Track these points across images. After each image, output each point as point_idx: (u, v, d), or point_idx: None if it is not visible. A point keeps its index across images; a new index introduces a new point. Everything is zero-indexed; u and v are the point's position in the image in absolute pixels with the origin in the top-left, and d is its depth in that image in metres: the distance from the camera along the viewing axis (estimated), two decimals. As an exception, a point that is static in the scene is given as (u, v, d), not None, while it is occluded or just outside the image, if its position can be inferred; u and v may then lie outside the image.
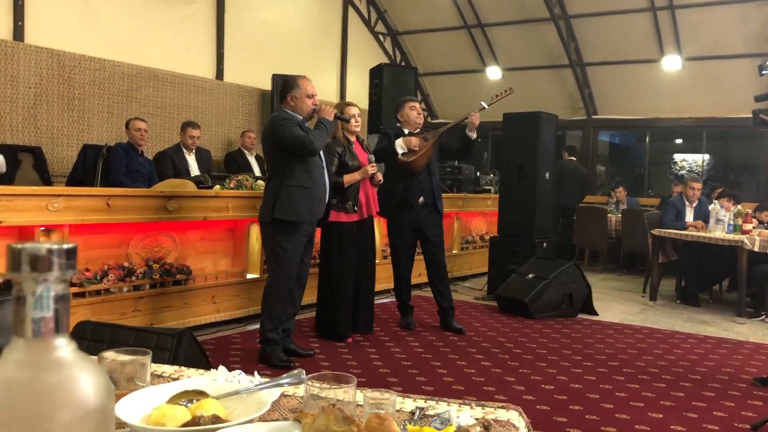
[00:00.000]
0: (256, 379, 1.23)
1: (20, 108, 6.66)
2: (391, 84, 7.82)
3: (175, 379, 1.33)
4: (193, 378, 1.25)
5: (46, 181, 6.46)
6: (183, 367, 1.44)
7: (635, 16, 9.90)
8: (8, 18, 6.69)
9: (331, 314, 4.75)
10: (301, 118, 4.15)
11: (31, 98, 6.74)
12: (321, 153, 4.23)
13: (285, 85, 4.21)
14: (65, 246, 0.50)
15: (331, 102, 10.32)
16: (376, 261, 6.34)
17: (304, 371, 1.17)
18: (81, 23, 7.27)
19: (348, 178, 4.65)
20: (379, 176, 4.85)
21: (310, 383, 1.09)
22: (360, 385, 3.45)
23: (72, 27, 7.17)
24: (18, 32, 6.73)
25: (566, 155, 9.59)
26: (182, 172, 6.49)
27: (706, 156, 11.31)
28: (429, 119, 12.82)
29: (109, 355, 1.26)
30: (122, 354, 1.27)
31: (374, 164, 4.75)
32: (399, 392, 3.43)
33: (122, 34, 7.66)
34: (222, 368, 1.28)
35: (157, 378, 1.35)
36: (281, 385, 1.15)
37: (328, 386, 1.10)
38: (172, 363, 2.88)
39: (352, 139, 4.88)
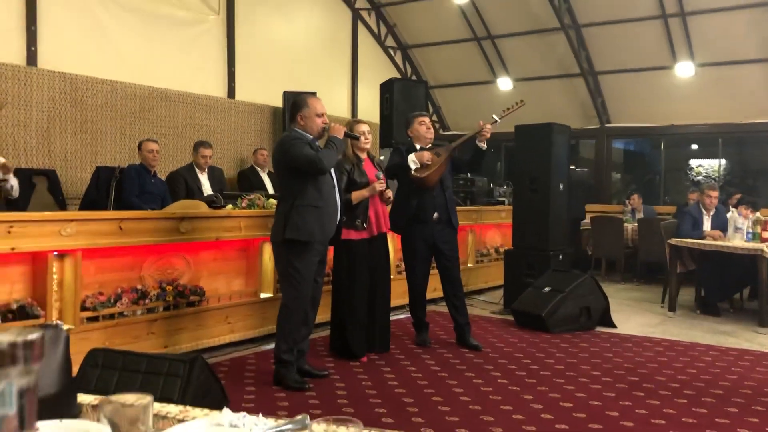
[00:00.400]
0: (261, 421, 1.20)
1: (34, 132, 6.71)
2: (402, 98, 7.82)
3: (180, 421, 1.29)
4: (197, 421, 1.22)
5: (61, 204, 6.49)
6: (188, 407, 1.40)
7: (646, 23, 9.84)
8: (21, 44, 6.76)
9: (345, 333, 4.71)
10: (311, 137, 4.13)
11: (44, 122, 6.79)
12: (332, 172, 4.20)
13: (294, 104, 4.20)
14: (29, 337, 0.46)
15: (343, 118, 10.35)
16: (391, 277, 6.32)
17: (308, 416, 1.13)
18: (93, 46, 7.33)
19: (356, 195, 4.62)
20: (389, 193, 4.81)
21: (315, 427, 1.05)
22: (375, 407, 3.38)
23: (84, 50, 7.24)
24: (31, 57, 6.80)
25: None
26: (195, 191, 6.50)
27: (723, 161, 11.19)
28: (441, 131, 12.80)
29: (111, 398, 1.23)
30: (124, 396, 1.23)
31: (382, 181, 4.71)
32: (414, 413, 3.35)
33: (134, 55, 7.71)
34: (226, 410, 1.24)
35: (162, 420, 1.31)
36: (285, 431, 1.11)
37: (334, 428, 1.06)
38: (184, 389, 2.86)
39: (363, 156, 4.86)
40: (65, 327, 4.02)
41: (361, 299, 4.70)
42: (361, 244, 4.68)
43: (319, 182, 4.09)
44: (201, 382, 2.92)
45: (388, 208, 5.00)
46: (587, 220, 9.55)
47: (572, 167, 9.54)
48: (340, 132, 4.17)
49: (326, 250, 4.29)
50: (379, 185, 4.67)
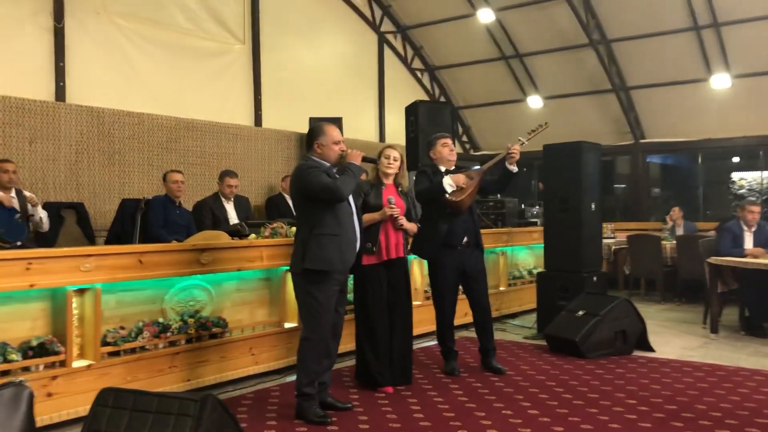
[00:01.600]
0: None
1: (62, 165, 6.84)
2: (427, 120, 7.74)
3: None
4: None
5: (89, 236, 6.57)
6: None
7: (678, 36, 9.64)
8: (50, 80, 6.92)
9: (367, 361, 4.62)
10: (328, 165, 4.08)
11: (72, 155, 6.91)
12: (350, 199, 4.13)
13: (311, 133, 4.16)
14: None
15: (371, 142, 10.34)
16: (418, 302, 6.22)
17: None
18: (120, 80, 7.48)
19: (367, 218, 4.54)
20: (403, 221, 4.68)
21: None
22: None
23: (111, 84, 7.38)
24: (60, 93, 6.95)
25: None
26: (221, 221, 6.52)
27: (766, 173, 10.84)
28: (471, 151, 12.70)
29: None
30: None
31: (394, 206, 4.61)
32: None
33: (160, 87, 7.84)
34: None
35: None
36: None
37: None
38: (195, 429, 2.79)
39: (386, 181, 4.78)
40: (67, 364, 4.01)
41: (379, 325, 4.59)
42: (372, 268, 4.58)
43: (336, 210, 4.02)
44: (213, 422, 2.84)
45: (411, 234, 4.89)
46: (623, 239, 9.31)
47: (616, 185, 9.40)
48: (357, 158, 4.10)
49: (347, 278, 4.21)
50: (389, 210, 4.59)
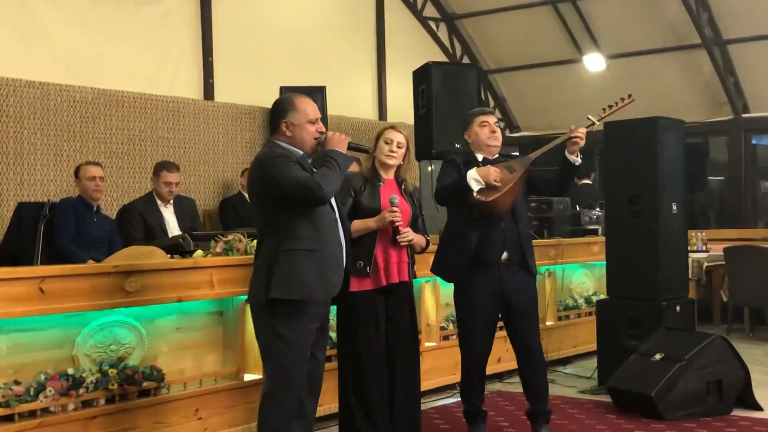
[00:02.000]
0: None
1: (-65, 157, 6.86)
2: (444, 89, 7.78)
3: None
4: None
5: (-28, 254, 6.58)
6: None
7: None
8: None
9: (357, 428, 4.61)
10: (301, 153, 4.07)
11: (-51, 143, 6.95)
12: (332, 200, 4.13)
13: (277, 108, 4.14)
14: None
15: (368, 121, 10.36)
16: (432, 344, 6.23)
17: None
18: (16, 38, 7.50)
19: (358, 225, 4.54)
20: (408, 233, 4.66)
21: None
22: None
23: (4, 44, 7.37)
24: (-70, 56, 6.99)
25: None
26: (156, 231, 6.58)
27: None
28: (507, 132, 12.72)
29: None
30: None
31: (396, 210, 4.58)
32: None
33: (72, 48, 7.89)
34: None
35: None
36: None
37: None
38: None
39: (386, 175, 4.79)
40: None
41: (374, 376, 4.60)
42: (364, 297, 4.59)
43: (314, 215, 4.02)
44: None
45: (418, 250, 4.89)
46: (718, 253, 9.31)
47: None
48: (341, 143, 4.08)
49: (328, 311, 4.21)
50: (390, 214, 4.56)
